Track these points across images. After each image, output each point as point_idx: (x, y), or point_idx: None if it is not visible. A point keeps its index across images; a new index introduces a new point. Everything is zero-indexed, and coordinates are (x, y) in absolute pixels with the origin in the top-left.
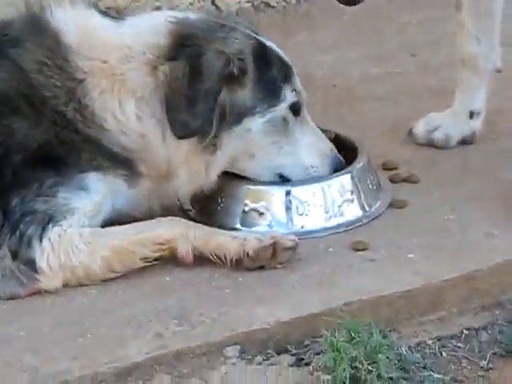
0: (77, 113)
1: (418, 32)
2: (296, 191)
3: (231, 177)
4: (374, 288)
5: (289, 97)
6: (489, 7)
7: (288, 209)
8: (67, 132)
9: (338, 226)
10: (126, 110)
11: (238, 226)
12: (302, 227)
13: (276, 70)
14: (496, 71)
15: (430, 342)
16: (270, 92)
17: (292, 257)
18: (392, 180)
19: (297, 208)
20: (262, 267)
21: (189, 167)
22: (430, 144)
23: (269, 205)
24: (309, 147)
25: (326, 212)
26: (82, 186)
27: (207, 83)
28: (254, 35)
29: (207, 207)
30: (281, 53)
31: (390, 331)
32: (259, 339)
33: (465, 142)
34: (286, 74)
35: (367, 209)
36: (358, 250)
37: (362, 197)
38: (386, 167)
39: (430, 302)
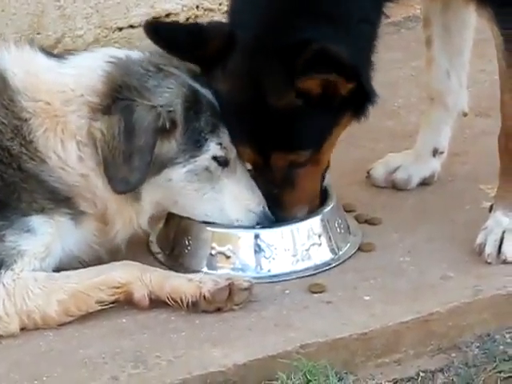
0: (21, 148)
1: (375, 74)
2: (265, 234)
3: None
4: (331, 330)
5: (213, 149)
6: (459, 45)
7: (256, 252)
8: (11, 171)
9: (306, 269)
10: (68, 150)
11: (205, 269)
12: (269, 271)
13: (204, 121)
14: (463, 115)
15: None
16: (193, 143)
17: (248, 298)
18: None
19: (264, 251)
20: (218, 309)
21: (121, 214)
22: (390, 185)
23: (235, 248)
24: (234, 198)
25: (294, 255)
26: (28, 228)
27: (142, 139)
28: (189, 82)
29: (175, 250)
30: (214, 102)
31: (346, 374)
32: (215, 382)
33: (424, 182)
34: (215, 125)
35: (336, 252)
36: (315, 293)
37: (332, 240)
38: (344, 210)
39: (386, 344)
